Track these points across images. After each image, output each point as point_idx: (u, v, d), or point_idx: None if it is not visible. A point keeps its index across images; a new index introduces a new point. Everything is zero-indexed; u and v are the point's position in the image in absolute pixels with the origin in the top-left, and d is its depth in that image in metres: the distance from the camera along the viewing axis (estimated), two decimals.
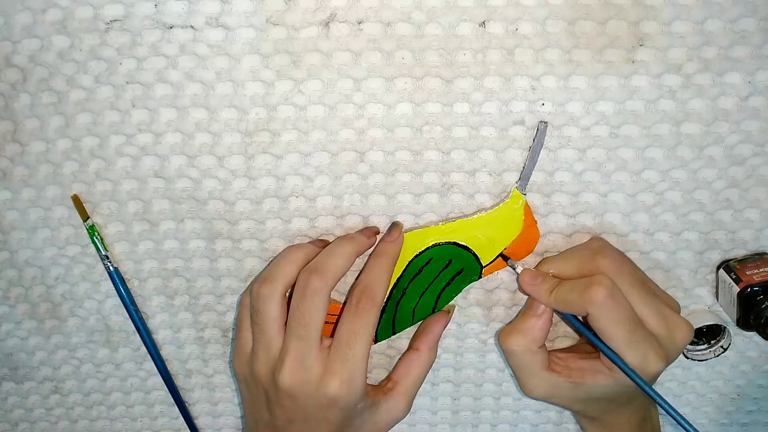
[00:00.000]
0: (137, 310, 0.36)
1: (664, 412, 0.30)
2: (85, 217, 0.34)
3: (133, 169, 0.34)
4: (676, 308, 0.33)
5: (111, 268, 0.35)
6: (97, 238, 0.34)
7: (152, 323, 0.37)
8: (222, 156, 0.33)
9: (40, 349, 0.38)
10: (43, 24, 0.31)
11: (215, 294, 0.36)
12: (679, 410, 0.39)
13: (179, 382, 0.39)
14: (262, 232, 0.35)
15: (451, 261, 0.34)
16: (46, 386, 0.39)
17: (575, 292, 0.30)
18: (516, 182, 0.33)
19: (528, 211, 0.33)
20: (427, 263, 0.34)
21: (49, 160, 0.33)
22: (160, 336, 0.37)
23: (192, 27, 0.31)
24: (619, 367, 0.29)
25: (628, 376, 0.29)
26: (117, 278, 0.35)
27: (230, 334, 0.37)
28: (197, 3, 0.31)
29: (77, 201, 0.34)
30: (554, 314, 0.32)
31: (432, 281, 0.34)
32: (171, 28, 0.31)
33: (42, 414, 0.39)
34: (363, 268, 0.33)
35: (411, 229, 0.34)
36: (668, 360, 0.31)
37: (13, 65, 0.31)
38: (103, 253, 0.34)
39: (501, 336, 0.33)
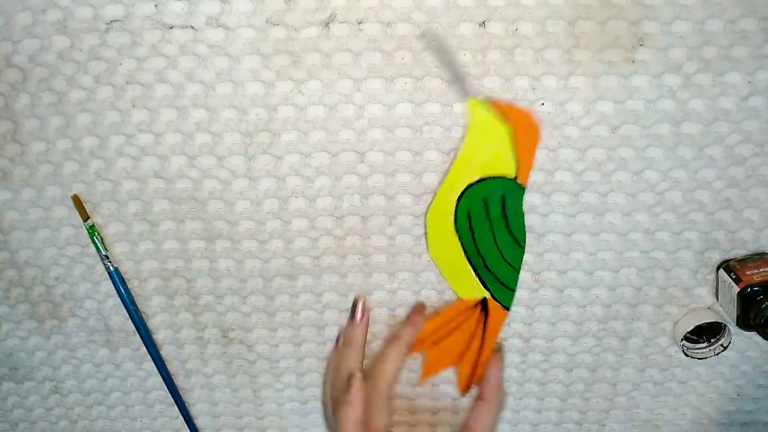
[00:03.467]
0: (137, 310, 0.36)
1: None
2: (86, 217, 0.34)
3: (134, 170, 0.34)
4: None
5: (111, 268, 0.35)
6: (97, 238, 0.34)
7: (152, 323, 0.37)
8: (222, 156, 0.33)
9: (40, 349, 0.38)
10: (43, 24, 0.31)
11: (215, 294, 0.36)
12: (679, 410, 0.39)
13: (179, 382, 0.39)
14: (262, 233, 0.35)
15: (485, 200, 0.31)
16: (46, 386, 0.39)
17: None
18: (463, 98, 0.31)
19: (498, 105, 0.30)
20: (468, 223, 0.32)
21: (49, 161, 0.33)
22: (160, 336, 0.37)
23: (192, 27, 0.31)
24: None
25: None
26: (117, 278, 0.35)
27: (230, 335, 0.37)
28: (197, 3, 0.31)
29: (77, 201, 0.34)
30: None
31: (489, 228, 0.32)
32: (171, 28, 0.31)
33: (42, 414, 0.39)
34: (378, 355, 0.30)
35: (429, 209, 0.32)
36: None
37: (13, 65, 0.31)
38: (103, 253, 0.34)
39: None
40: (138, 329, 0.36)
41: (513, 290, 0.34)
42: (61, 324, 0.37)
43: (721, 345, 0.36)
